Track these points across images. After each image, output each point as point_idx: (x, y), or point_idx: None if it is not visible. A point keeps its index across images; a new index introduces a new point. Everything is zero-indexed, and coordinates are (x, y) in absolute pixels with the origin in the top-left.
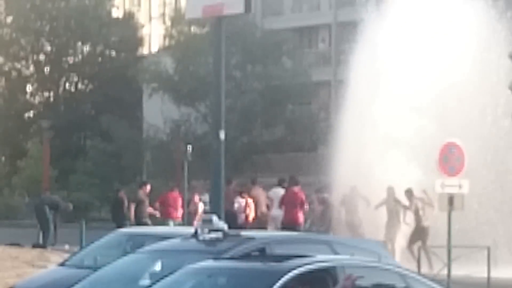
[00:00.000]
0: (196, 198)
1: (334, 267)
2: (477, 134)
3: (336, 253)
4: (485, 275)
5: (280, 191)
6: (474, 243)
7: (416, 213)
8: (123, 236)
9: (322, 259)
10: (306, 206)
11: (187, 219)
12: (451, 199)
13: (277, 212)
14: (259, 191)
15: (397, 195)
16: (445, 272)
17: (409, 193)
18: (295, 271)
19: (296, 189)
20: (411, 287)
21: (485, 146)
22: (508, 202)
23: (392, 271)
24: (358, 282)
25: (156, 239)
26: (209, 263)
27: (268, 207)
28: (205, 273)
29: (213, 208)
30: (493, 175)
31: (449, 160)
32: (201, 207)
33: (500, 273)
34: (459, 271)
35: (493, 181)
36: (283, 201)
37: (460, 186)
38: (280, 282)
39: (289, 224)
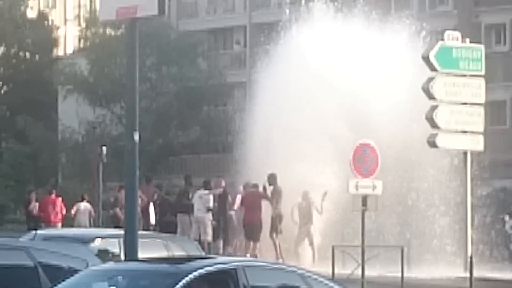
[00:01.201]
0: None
1: (235, 269)
2: (390, 135)
3: (34, 260)
4: (399, 274)
5: (205, 193)
6: (388, 243)
7: (277, 200)
8: (38, 238)
9: (223, 260)
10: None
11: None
12: (364, 200)
13: (201, 214)
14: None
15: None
16: (359, 272)
17: (272, 178)
18: (197, 273)
19: (257, 191)
20: None
21: (399, 146)
22: (421, 203)
23: (295, 272)
24: (260, 284)
25: (65, 241)
26: (110, 264)
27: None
28: (107, 275)
29: (128, 209)
30: (407, 175)
31: (363, 161)
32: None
33: (414, 272)
34: (373, 271)
35: (406, 182)
36: (242, 202)
37: (374, 187)
38: (182, 283)
39: (250, 224)
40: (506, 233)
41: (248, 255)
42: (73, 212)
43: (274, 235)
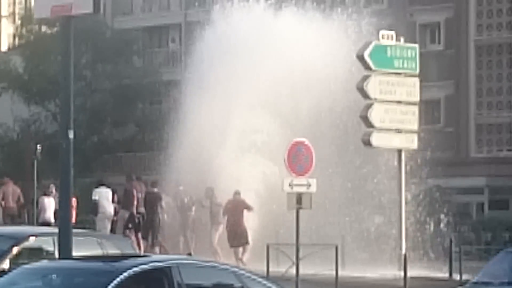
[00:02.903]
0: None
1: (169, 267)
2: (326, 133)
3: None
4: (334, 273)
5: (107, 191)
6: (323, 242)
7: (150, 205)
8: None
9: (158, 259)
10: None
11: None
12: (299, 198)
13: (104, 210)
14: (9, 187)
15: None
16: (293, 270)
17: (155, 183)
18: (131, 271)
19: (241, 197)
20: (246, 286)
21: (334, 145)
22: (356, 201)
23: (228, 270)
24: (194, 282)
25: (4, 239)
26: (44, 262)
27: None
28: (41, 273)
29: (61, 207)
30: (342, 174)
31: (298, 159)
32: None
33: (348, 270)
34: (307, 269)
35: (341, 180)
36: (227, 209)
37: (308, 185)
38: (116, 281)
39: (237, 229)
40: (440, 232)
41: (241, 261)
42: None
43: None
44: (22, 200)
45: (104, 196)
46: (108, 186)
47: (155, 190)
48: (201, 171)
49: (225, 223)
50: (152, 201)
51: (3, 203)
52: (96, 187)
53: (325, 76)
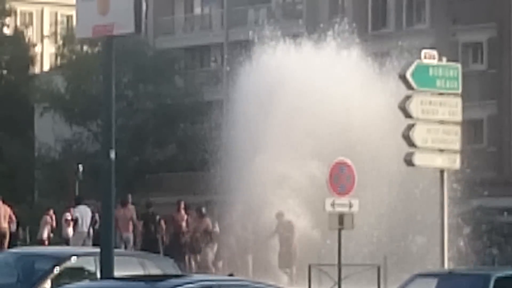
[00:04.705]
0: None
1: (211, 287)
2: (367, 154)
3: None
4: None
5: (87, 211)
6: (364, 262)
7: (145, 226)
8: (12, 256)
9: (199, 279)
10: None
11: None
12: (341, 218)
13: (82, 229)
14: (0, 208)
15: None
16: None
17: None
18: None
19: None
20: None
21: (376, 165)
22: (398, 221)
23: None
24: None
25: (46, 259)
26: (86, 283)
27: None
28: None
29: (104, 227)
30: (383, 194)
31: (339, 179)
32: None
33: None
34: None
35: (383, 200)
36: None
37: (350, 205)
38: None
39: (288, 252)
40: (484, 252)
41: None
42: None
43: None
44: (14, 219)
45: (84, 216)
46: (88, 205)
47: (150, 210)
48: (244, 191)
49: (278, 243)
50: (146, 222)
51: None
52: (74, 206)
53: (367, 95)
